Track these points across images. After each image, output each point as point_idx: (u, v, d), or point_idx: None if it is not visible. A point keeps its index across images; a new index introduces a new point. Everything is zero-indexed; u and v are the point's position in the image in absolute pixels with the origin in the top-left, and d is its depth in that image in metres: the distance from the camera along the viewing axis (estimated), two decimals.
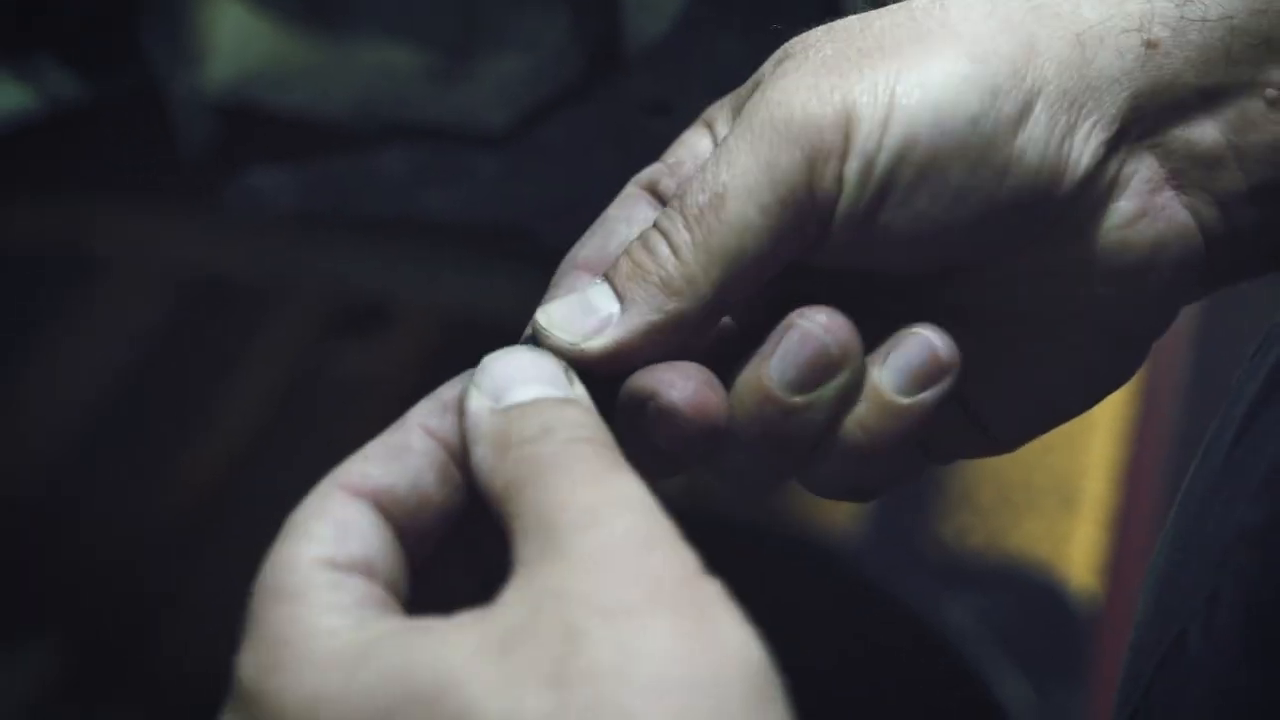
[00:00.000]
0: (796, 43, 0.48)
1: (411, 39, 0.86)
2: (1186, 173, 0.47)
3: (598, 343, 0.45)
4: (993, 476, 1.27)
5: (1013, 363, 0.49)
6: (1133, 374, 0.51)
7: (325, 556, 0.41)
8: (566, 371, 0.44)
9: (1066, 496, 1.24)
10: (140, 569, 1.25)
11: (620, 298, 0.45)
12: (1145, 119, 0.47)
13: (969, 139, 0.45)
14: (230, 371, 1.30)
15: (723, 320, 0.48)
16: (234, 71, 0.88)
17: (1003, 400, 0.49)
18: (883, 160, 0.45)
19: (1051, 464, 1.27)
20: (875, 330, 0.48)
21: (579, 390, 0.44)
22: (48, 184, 0.93)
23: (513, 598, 0.38)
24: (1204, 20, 0.46)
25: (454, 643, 0.38)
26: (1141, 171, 0.47)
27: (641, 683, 0.36)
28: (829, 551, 1.17)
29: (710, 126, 0.50)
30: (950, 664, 1.11)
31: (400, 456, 0.43)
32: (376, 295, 1.22)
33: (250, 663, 0.40)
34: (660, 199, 0.49)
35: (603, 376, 0.46)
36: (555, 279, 0.49)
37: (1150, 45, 0.46)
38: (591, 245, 0.49)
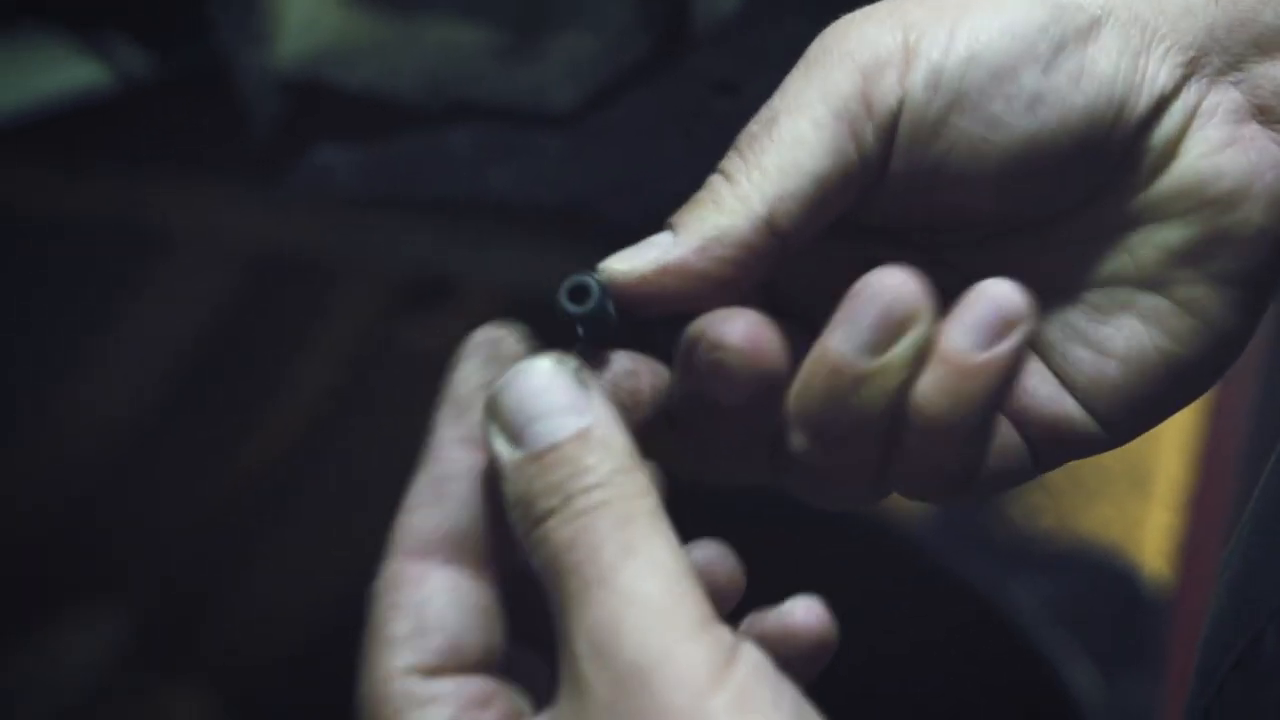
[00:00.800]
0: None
1: (480, 17, 0.86)
2: (1275, 109, 0.45)
3: (640, 263, 0.43)
4: None
5: (1111, 332, 0.46)
6: (1254, 328, 0.47)
7: (412, 665, 0.40)
8: (582, 384, 0.41)
9: (1140, 479, 1.23)
10: (207, 543, 1.26)
11: (674, 229, 0.44)
12: (1224, 52, 0.45)
13: (1038, 43, 0.44)
14: (296, 347, 1.31)
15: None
16: (303, 49, 0.88)
17: (1107, 378, 0.47)
18: (951, 64, 0.44)
19: (1125, 448, 1.26)
20: (940, 298, 0.45)
21: (596, 404, 0.40)
22: (118, 159, 0.93)
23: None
24: None
25: None
26: (1225, 103, 0.46)
27: None
28: (897, 532, 1.16)
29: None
30: (1017, 648, 1.10)
31: (444, 492, 0.42)
32: (440, 273, 1.23)
33: None
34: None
35: (659, 321, 0.44)
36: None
37: None
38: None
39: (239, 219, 0.97)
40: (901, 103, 0.44)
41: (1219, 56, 0.45)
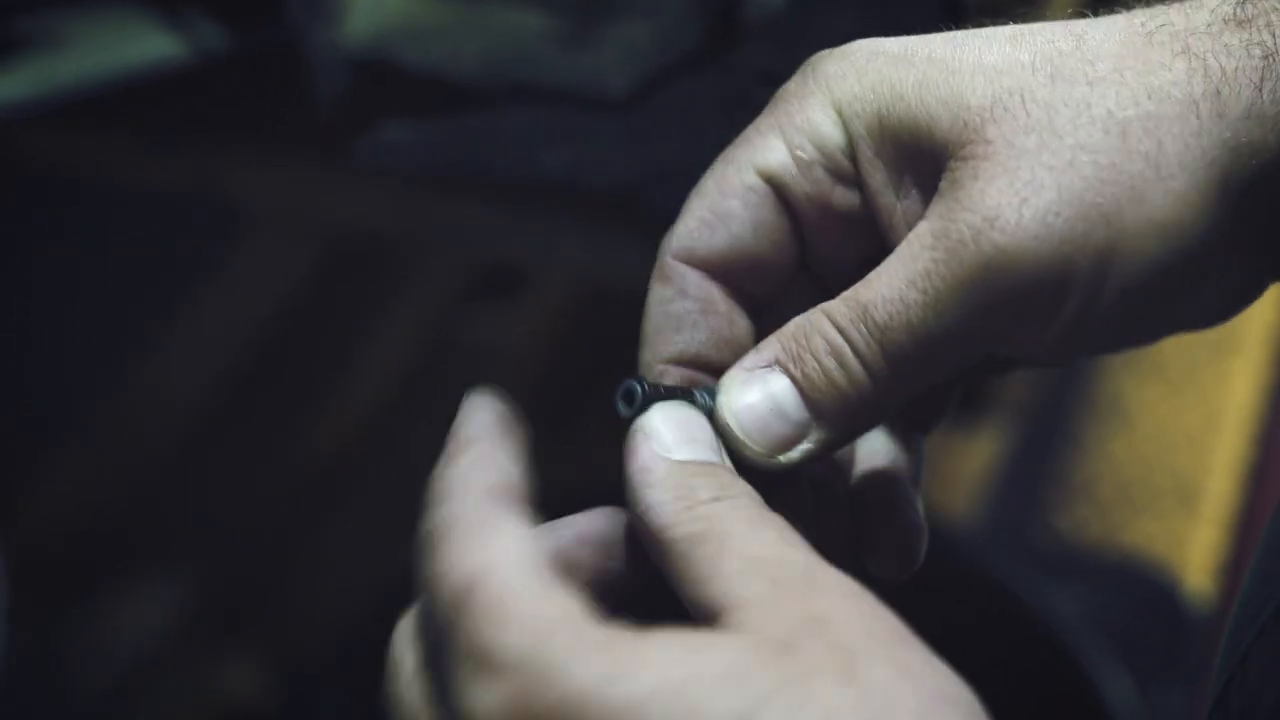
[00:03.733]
0: (989, 123, 0.45)
1: (541, 4, 0.88)
2: None
3: (794, 456, 0.46)
4: (1112, 472, 1.26)
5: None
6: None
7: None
8: (716, 438, 0.46)
9: (1187, 496, 1.23)
10: (272, 519, 1.28)
11: (814, 413, 0.46)
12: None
13: (1163, 292, 0.46)
14: (367, 330, 1.33)
15: None
16: (370, 28, 0.90)
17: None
18: (1087, 324, 0.45)
19: (1174, 463, 1.25)
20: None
21: (725, 457, 0.46)
22: (192, 131, 0.96)
23: (760, 618, 0.41)
24: None
25: (725, 644, 0.40)
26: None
27: (927, 693, 0.39)
28: (940, 536, 1.16)
29: (843, 118, 0.48)
30: (1056, 657, 1.10)
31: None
32: (506, 259, 1.24)
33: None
34: (787, 202, 0.48)
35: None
36: (668, 267, 0.49)
37: None
38: (712, 240, 0.48)
39: (307, 195, 0.99)
40: (1038, 342, 0.46)
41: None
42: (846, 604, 0.41)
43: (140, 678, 1.21)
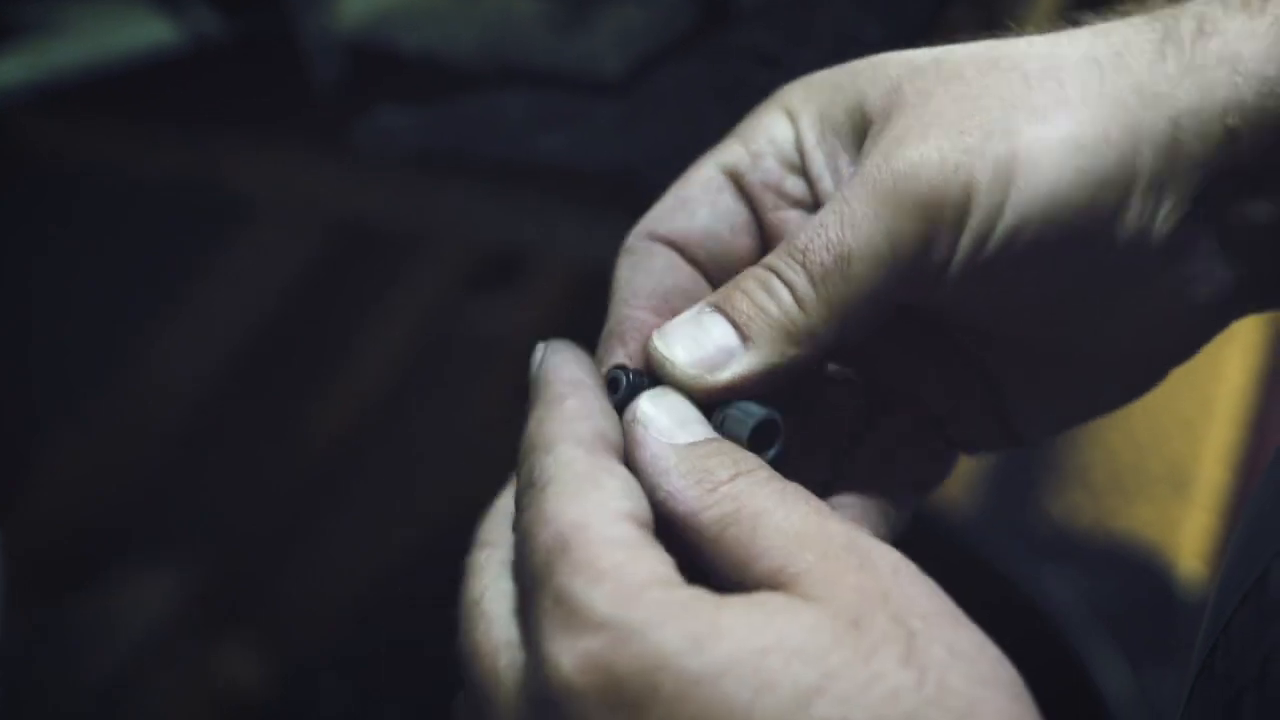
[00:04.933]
0: (906, 82, 0.50)
1: None
2: (1237, 240, 0.50)
3: (723, 377, 0.48)
4: (1106, 458, 1.26)
5: (1051, 380, 0.53)
6: (1155, 383, 0.55)
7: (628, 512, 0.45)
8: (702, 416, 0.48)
9: (1180, 482, 1.23)
10: (271, 509, 1.28)
11: (743, 336, 0.49)
12: (1214, 198, 0.50)
13: (1074, 225, 0.48)
14: (366, 313, 1.33)
15: None
16: (365, 13, 0.90)
17: (1036, 409, 0.54)
18: (995, 239, 0.48)
19: (1167, 449, 1.26)
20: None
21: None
22: (188, 117, 0.96)
23: (825, 591, 0.42)
24: None
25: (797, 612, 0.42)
26: (1201, 242, 0.50)
27: (978, 676, 0.41)
28: (935, 523, 1.17)
29: (792, 118, 0.52)
30: (1050, 642, 1.10)
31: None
32: (505, 246, 1.24)
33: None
34: (744, 191, 0.52)
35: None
36: (633, 243, 0.52)
37: (1231, 133, 0.48)
38: (673, 221, 0.52)
39: (304, 180, 1.00)
40: (951, 259, 0.49)
41: (1209, 203, 0.50)
42: (900, 579, 0.42)
43: (139, 667, 1.22)
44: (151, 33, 0.95)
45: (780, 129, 0.52)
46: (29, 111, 0.94)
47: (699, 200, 0.52)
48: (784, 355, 0.49)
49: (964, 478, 1.24)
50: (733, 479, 0.45)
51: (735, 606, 0.41)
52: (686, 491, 0.45)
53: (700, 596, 0.42)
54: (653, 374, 0.49)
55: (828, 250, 0.48)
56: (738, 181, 0.52)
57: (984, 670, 0.41)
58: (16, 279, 1.18)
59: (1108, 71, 0.48)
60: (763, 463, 0.46)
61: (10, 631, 1.10)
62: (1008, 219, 0.48)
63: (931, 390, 0.54)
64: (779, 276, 0.49)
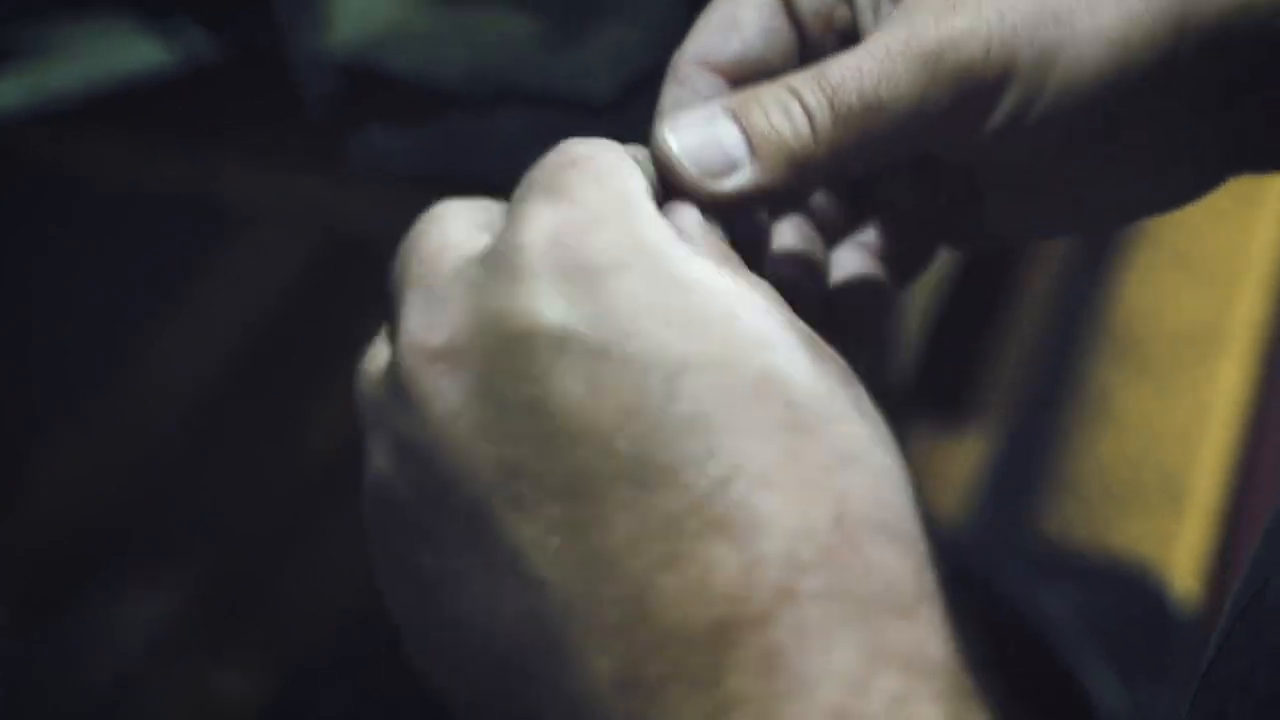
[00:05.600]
0: None
1: (527, 8, 0.88)
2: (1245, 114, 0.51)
3: (724, 185, 0.48)
4: (1099, 470, 1.26)
5: (1038, 199, 0.53)
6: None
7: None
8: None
9: (1174, 496, 1.23)
10: (265, 521, 1.28)
11: (752, 151, 0.48)
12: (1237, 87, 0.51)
13: (1105, 113, 0.49)
14: (358, 331, 1.33)
15: None
16: (357, 34, 0.91)
17: (1018, 217, 0.54)
18: (1025, 120, 0.49)
19: (1161, 462, 1.26)
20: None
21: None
22: (183, 138, 0.96)
23: None
24: None
25: None
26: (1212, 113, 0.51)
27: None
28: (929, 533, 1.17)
29: None
30: (1043, 657, 1.10)
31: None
32: None
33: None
34: (794, 14, 0.52)
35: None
36: (683, 70, 0.52)
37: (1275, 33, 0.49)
38: (726, 46, 0.51)
39: (298, 200, 1.00)
40: (980, 128, 0.49)
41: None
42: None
43: (136, 673, 1.22)
44: (146, 54, 0.95)
45: None
46: (24, 132, 0.95)
47: (750, 23, 0.51)
48: (785, 181, 0.48)
49: (954, 492, 1.24)
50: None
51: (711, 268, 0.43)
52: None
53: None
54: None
55: (859, 97, 0.48)
56: (789, 4, 0.52)
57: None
58: (15, 280, 1.18)
59: None
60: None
61: (10, 632, 1.10)
62: (1040, 105, 0.48)
63: (909, 193, 0.55)
64: (802, 103, 0.48)
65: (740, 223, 0.50)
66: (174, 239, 1.24)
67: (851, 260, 0.54)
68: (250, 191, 0.99)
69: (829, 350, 0.43)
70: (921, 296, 1.26)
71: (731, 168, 0.48)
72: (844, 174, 0.50)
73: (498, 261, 0.42)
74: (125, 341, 1.26)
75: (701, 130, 0.48)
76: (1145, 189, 0.54)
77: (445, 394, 0.42)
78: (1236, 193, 1.51)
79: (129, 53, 0.95)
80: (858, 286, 0.54)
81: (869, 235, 0.55)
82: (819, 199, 0.54)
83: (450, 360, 0.42)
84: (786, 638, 0.38)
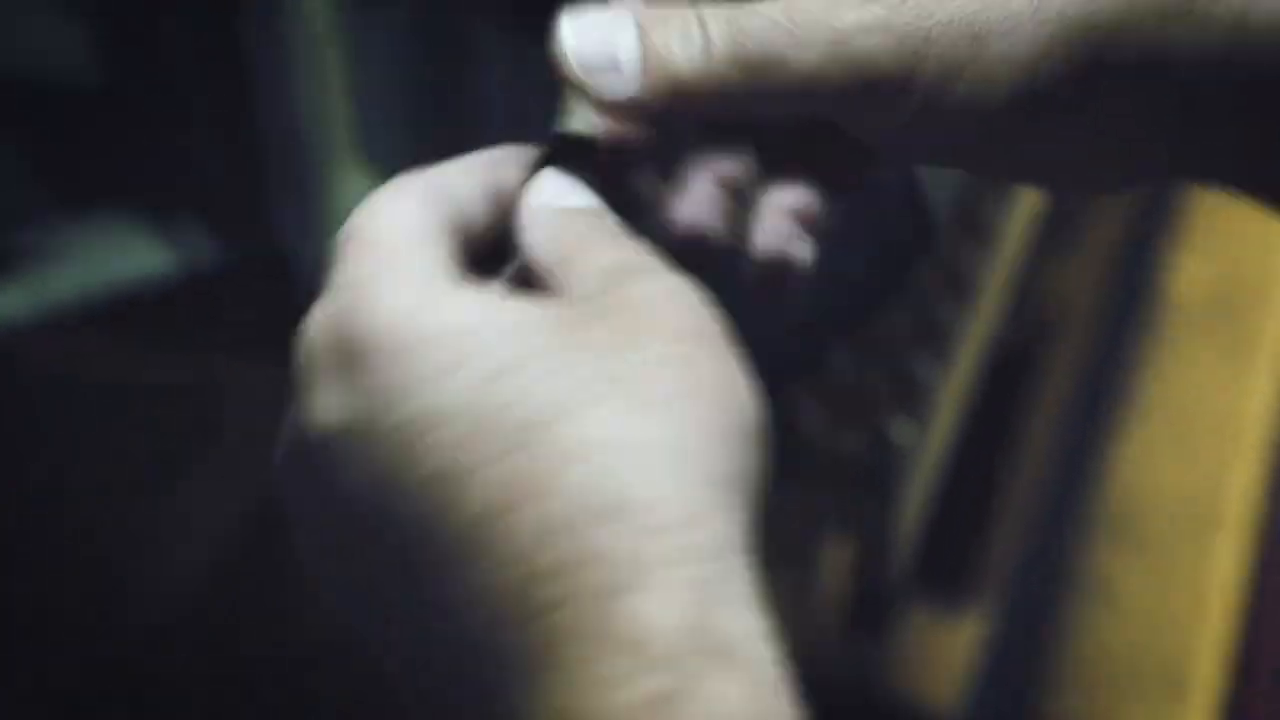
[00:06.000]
0: None
1: None
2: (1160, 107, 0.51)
3: (600, 88, 0.48)
4: (1099, 656, 1.25)
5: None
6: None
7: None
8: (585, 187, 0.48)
9: (1174, 682, 1.22)
10: (266, 690, 1.28)
11: (642, 63, 0.48)
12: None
13: (1019, 121, 0.49)
14: None
15: None
16: None
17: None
18: (934, 120, 0.49)
19: (1160, 646, 1.25)
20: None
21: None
22: (184, 342, 0.97)
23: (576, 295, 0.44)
24: None
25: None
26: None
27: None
28: (927, 717, 1.16)
29: None
30: None
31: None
32: None
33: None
34: None
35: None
36: None
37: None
38: None
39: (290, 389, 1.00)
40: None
41: None
42: (668, 299, 0.43)
43: None
44: (147, 260, 0.96)
45: None
46: (28, 338, 0.95)
47: None
48: (663, 102, 0.48)
49: (951, 680, 1.23)
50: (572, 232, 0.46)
51: (476, 292, 0.43)
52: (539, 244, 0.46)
53: (452, 278, 0.43)
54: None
55: (760, 48, 0.48)
56: None
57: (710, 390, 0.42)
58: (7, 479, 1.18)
59: None
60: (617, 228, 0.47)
61: None
62: (944, 112, 0.49)
63: (812, 151, 0.54)
64: (705, 34, 0.49)
65: (623, 185, 0.50)
66: (165, 436, 1.25)
67: (767, 224, 0.53)
68: (247, 395, 0.99)
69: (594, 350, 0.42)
70: (919, 480, 1.26)
71: (614, 71, 0.48)
72: (727, 117, 0.49)
73: (297, 373, 0.44)
74: (118, 536, 1.26)
75: (602, 32, 0.49)
76: (1078, 175, 0.53)
77: (294, 501, 0.44)
78: (1228, 359, 1.52)
79: (131, 259, 0.96)
80: (769, 252, 0.53)
81: (788, 197, 0.53)
82: (727, 166, 0.53)
83: (282, 472, 0.44)
84: None
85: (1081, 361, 1.50)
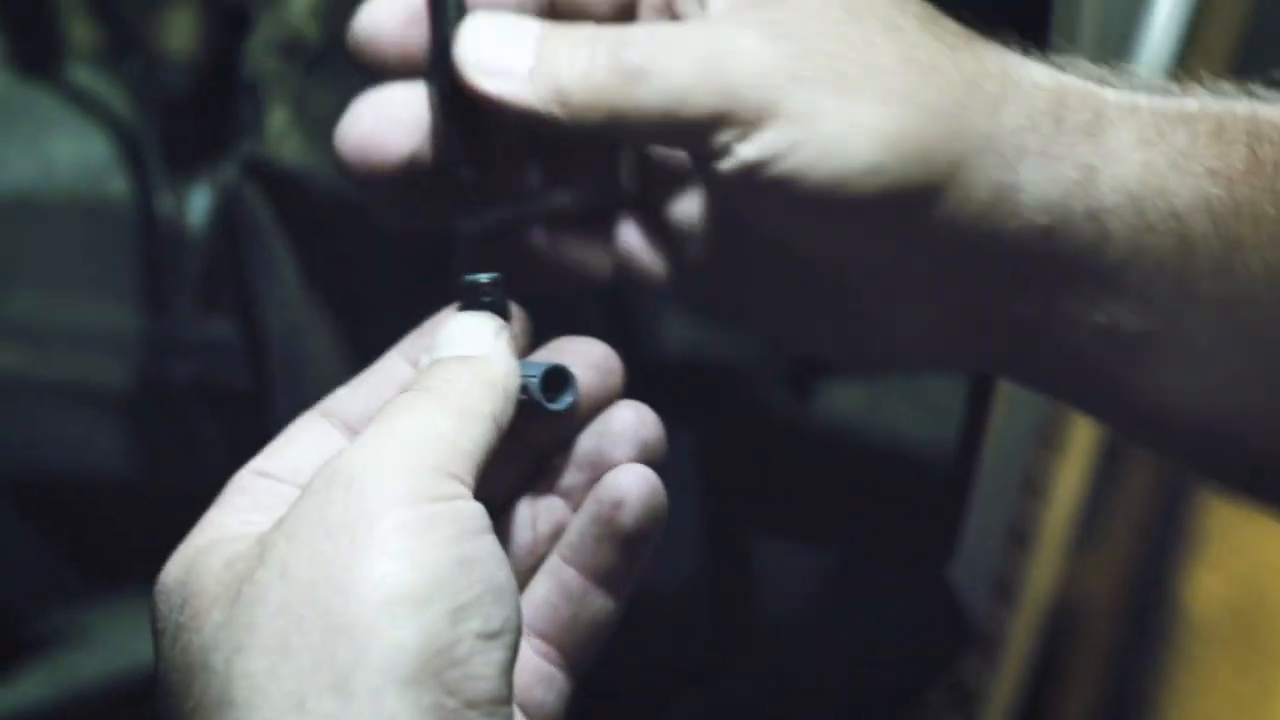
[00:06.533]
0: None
1: None
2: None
3: (489, 85, 0.52)
4: None
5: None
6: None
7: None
8: (497, 332, 0.52)
9: None
10: None
11: (537, 67, 0.52)
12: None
13: (840, 221, 0.52)
14: None
15: None
16: None
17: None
18: (769, 174, 0.51)
19: None
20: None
21: (500, 344, 0.51)
22: None
23: None
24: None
25: None
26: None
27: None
28: None
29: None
30: None
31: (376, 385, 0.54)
32: None
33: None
34: None
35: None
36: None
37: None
38: None
39: None
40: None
41: None
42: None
43: None
44: None
45: None
46: None
47: None
48: (548, 111, 0.51)
49: None
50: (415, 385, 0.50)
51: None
52: None
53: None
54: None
55: (641, 57, 0.51)
56: None
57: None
58: None
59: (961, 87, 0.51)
60: (467, 379, 0.50)
61: None
62: (781, 166, 0.50)
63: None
64: (594, 46, 0.52)
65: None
66: None
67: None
68: None
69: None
70: None
71: (507, 73, 0.52)
72: (596, 135, 0.52)
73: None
74: None
75: (505, 29, 0.52)
76: (876, 327, 0.55)
77: None
78: (1246, 677, 1.50)
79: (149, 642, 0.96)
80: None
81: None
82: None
83: None
84: None
85: (1101, 675, 1.49)
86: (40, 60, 0.86)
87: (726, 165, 0.51)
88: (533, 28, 0.53)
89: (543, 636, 0.53)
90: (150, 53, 0.84)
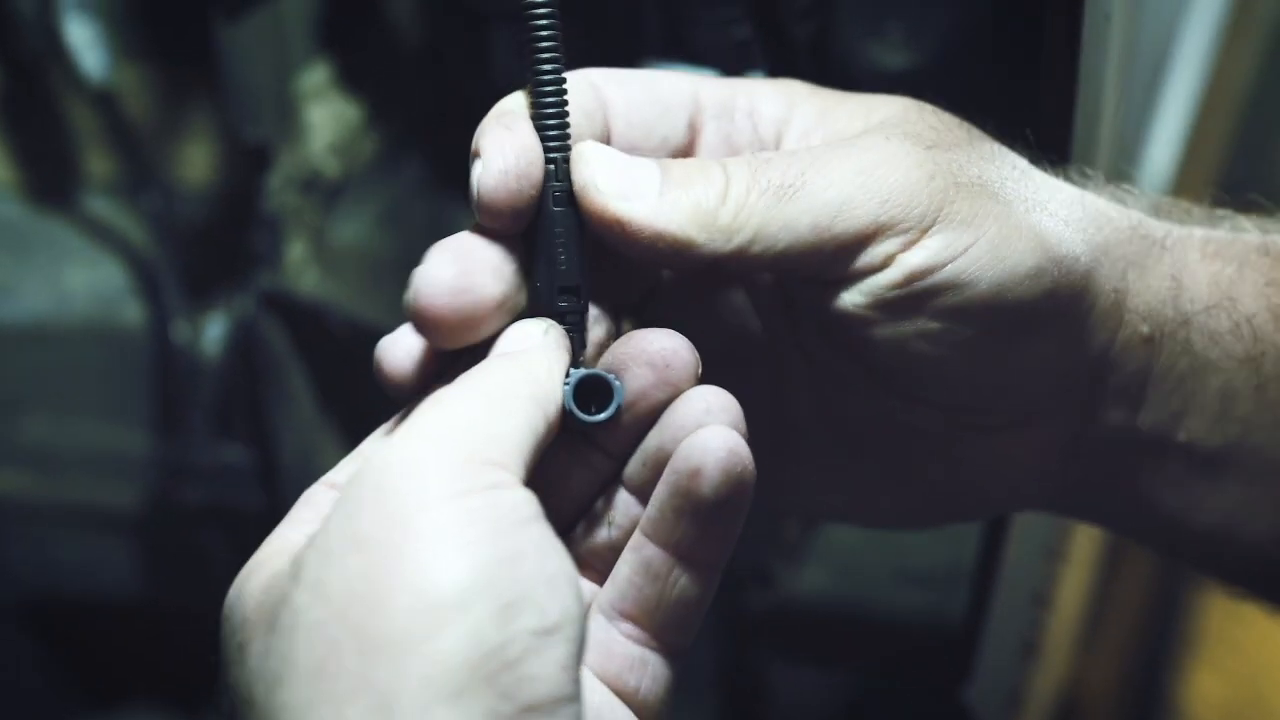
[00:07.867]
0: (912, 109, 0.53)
1: None
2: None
3: (625, 207, 0.49)
4: None
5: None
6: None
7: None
8: (546, 330, 0.50)
9: None
10: None
11: (663, 185, 0.50)
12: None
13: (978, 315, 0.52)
14: None
15: None
16: None
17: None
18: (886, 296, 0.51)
19: None
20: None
21: (548, 340, 0.50)
22: None
23: None
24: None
25: None
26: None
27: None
28: None
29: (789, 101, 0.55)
30: None
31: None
32: None
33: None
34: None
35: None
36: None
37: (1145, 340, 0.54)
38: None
39: None
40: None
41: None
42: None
43: None
44: None
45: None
46: None
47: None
48: (684, 235, 0.49)
49: None
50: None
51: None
52: None
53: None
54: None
55: (782, 175, 0.49)
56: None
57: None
58: None
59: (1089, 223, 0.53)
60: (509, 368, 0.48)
61: None
62: (950, 271, 0.50)
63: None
64: (725, 170, 0.50)
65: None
66: None
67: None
68: None
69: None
70: None
71: (640, 193, 0.49)
72: (740, 262, 0.50)
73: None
74: None
75: (617, 161, 0.50)
76: (983, 474, 0.55)
77: None
78: None
79: None
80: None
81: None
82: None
83: None
84: None
85: None
86: (56, 190, 0.87)
87: (887, 278, 0.50)
88: (646, 160, 0.51)
89: (629, 618, 0.50)
90: (167, 184, 0.85)
